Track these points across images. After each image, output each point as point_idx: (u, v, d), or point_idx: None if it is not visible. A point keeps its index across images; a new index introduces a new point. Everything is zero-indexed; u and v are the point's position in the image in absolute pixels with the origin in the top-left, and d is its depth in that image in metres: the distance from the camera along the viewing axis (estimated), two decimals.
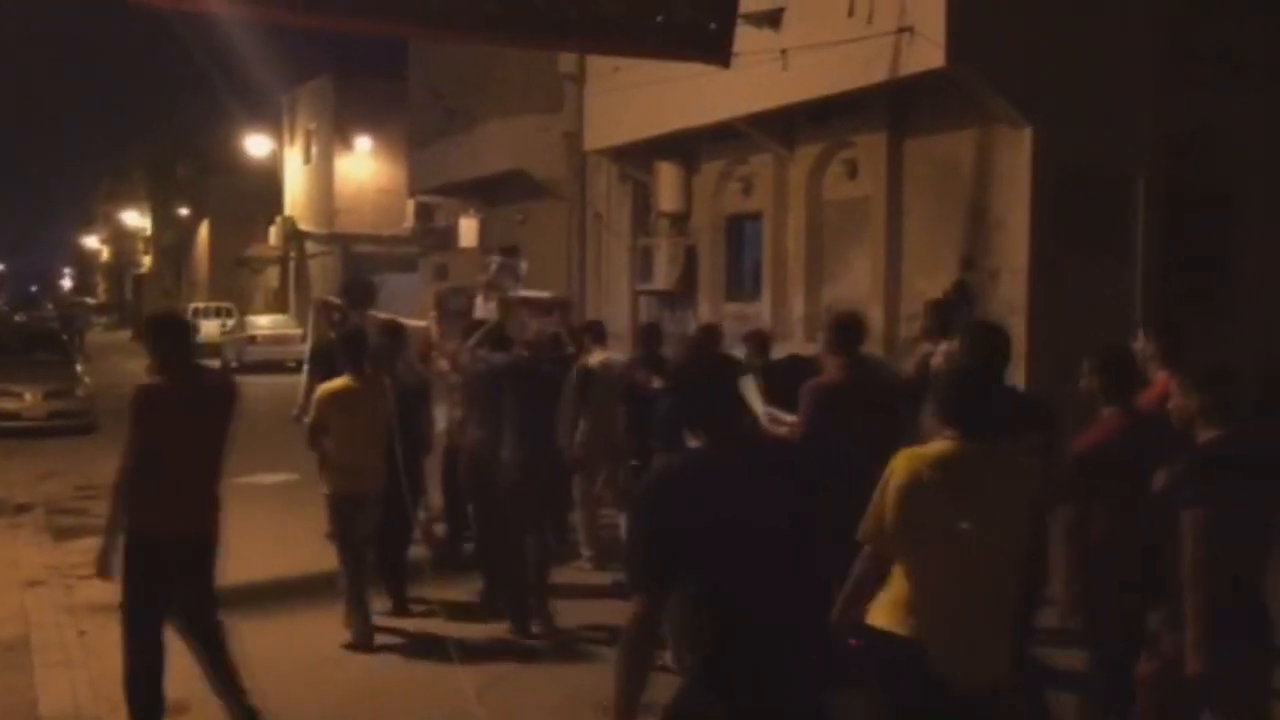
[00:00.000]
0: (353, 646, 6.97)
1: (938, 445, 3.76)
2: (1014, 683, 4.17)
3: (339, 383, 7.16)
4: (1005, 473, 3.84)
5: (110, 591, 8.16)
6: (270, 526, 10.02)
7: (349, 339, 7.44)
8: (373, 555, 7.36)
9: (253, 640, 7.15)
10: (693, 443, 3.41)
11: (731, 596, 3.17)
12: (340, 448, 7.08)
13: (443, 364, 8.87)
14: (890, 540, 3.66)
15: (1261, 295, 12.91)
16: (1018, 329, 11.58)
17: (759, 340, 8.84)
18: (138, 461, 5.19)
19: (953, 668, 3.62)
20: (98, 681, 6.32)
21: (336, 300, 9.35)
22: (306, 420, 7.49)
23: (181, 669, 6.58)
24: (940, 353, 6.89)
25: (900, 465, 3.69)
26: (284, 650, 6.88)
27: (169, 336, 5.57)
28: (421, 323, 10.14)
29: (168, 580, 5.27)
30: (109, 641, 7.03)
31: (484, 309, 10.35)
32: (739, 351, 8.55)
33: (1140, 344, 5.15)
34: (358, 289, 9.21)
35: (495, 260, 12.60)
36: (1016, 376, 11.53)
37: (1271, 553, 4.29)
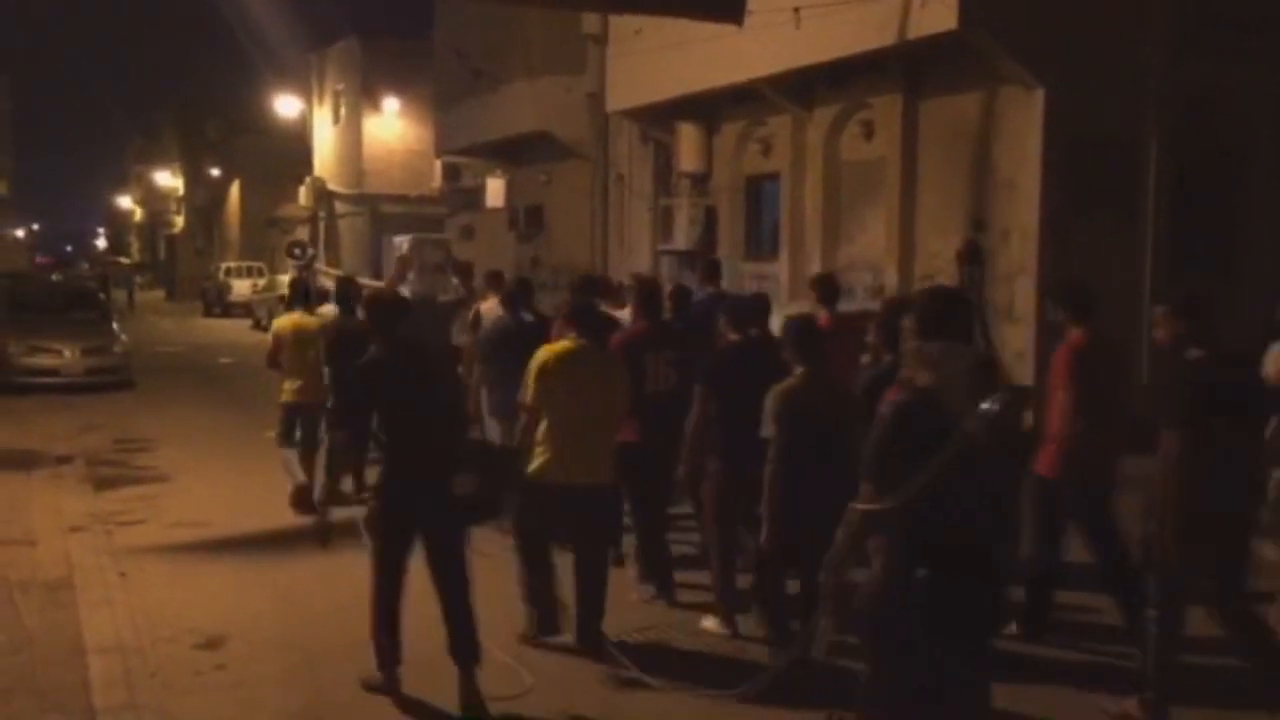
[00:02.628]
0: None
1: (562, 344, 6.30)
2: (616, 481, 6.43)
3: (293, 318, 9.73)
4: (599, 365, 6.24)
5: (146, 536, 8.68)
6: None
7: (293, 285, 10.73)
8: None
9: (287, 580, 7.60)
10: None
11: None
12: (288, 370, 9.55)
13: None
14: (535, 400, 6.06)
15: (1270, 257, 13.03)
16: (1026, 289, 11.82)
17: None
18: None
19: (571, 474, 6.01)
20: (138, 617, 6.73)
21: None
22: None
23: (220, 603, 7.02)
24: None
25: (539, 354, 6.20)
26: (315, 588, 7.27)
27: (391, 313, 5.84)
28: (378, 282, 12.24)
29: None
30: (148, 581, 7.51)
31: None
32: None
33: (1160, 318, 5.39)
34: (298, 246, 11.55)
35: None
36: (1025, 334, 11.80)
37: None
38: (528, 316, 8.93)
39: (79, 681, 5.78)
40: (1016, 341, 11.82)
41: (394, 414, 5.51)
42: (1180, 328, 5.28)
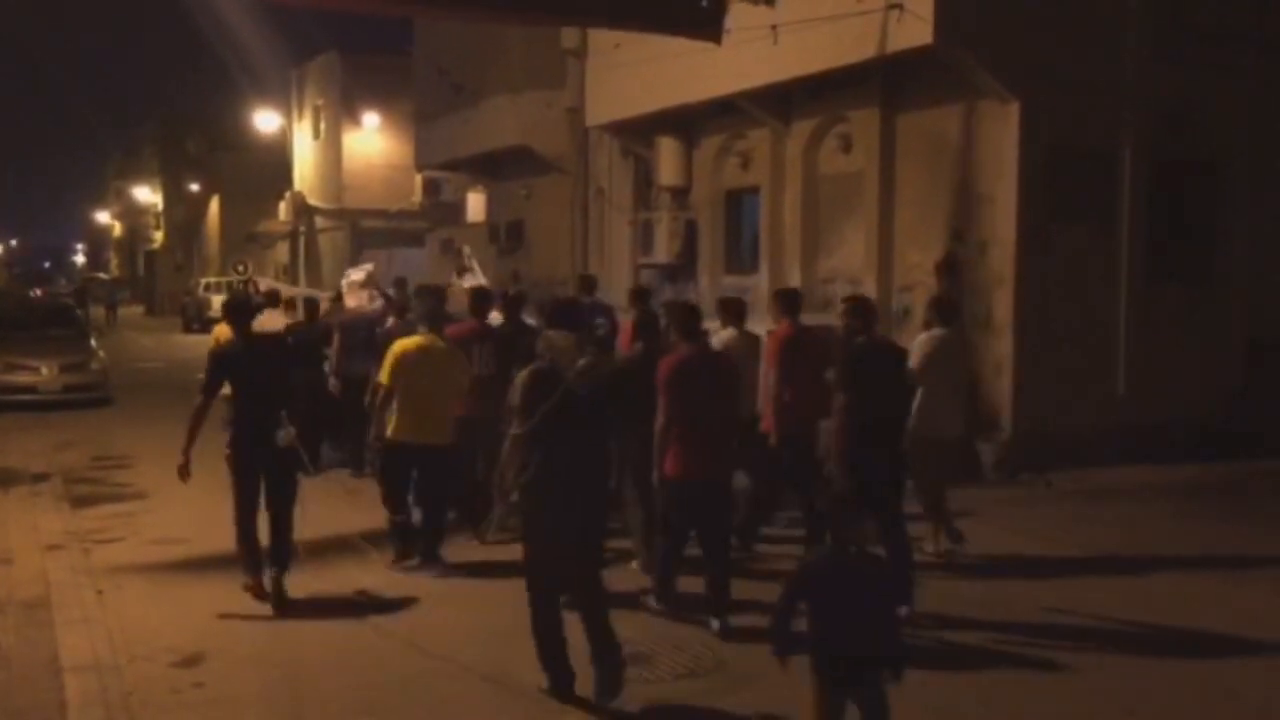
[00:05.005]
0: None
1: (414, 337, 8.25)
2: (455, 441, 8.20)
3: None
4: (440, 352, 8.19)
5: (124, 554, 8.62)
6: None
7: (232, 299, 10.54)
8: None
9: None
10: None
11: None
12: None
13: None
14: (391, 381, 8.02)
15: (1245, 266, 13.16)
16: (1005, 300, 11.88)
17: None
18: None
19: (419, 435, 8.00)
20: (115, 635, 6.69)
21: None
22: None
23: (198, 621, 6.98)
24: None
25: (396, 345, 8.22)
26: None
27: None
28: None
29: None
30: (125, 600, 7.47)
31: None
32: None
33: None
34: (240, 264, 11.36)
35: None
36: (1004, 345, 11.86)
37: None
38: (530, 322, 9.71)
39: (55, 700, 5.74)
40: (996, 352, 11.88)
41: (239, 388, 7.37)
42: (853, 323, 7.23)
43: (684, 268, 16.88)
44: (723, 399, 6.95)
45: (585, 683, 5.67)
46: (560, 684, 5.65)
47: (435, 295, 9.37)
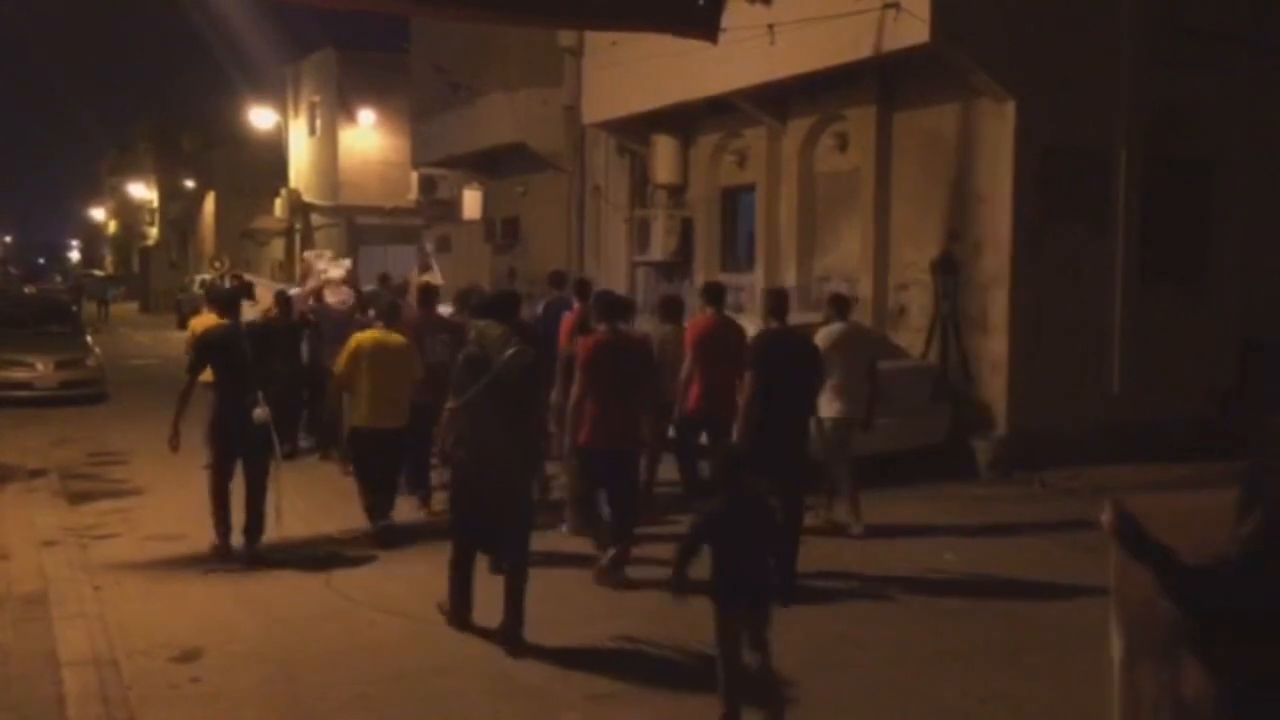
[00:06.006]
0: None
1: (371, 331, 9.08)
2: (405, 423, 8.92)
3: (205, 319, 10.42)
4: (394, 344, 8.95)
5: (121, 549, 8.64)
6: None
7: (210, 289, 11.92)
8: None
9: (262, 592, 7.58)
10: None
11: None
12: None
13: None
14: (347, 371, 8.77)
15: (1239, 266, 13.21)
16: (999, 299, 11.92)
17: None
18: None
19: (376, 420, 8.79)
20: (113, 631, 6.71)
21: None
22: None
23: (195, 616, 7.00)
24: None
25: (353, 339, 8.97)
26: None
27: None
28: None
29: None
30: (122, 595, 7.49)
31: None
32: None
33: None
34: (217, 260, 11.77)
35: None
36: (999, 344, 11.90)
37: None
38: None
39: (53, 695, 5.76)
40: (992, 351, 11.92)
41: (220, 370, 8.32)
42: (768, 312, 8.21)
43: (680, 265, 16.90)
44: (635, 379, 7.77)
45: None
46: (459, 614, 6.68)
47: (392, 291, 10.45)
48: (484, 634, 6.53)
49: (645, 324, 11.12)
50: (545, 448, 8.30)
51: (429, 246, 18.37)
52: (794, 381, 7.76)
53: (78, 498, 10.69)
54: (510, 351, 6.45)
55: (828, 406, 8.90)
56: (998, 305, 11.93)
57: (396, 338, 9.03)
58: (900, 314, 13.08)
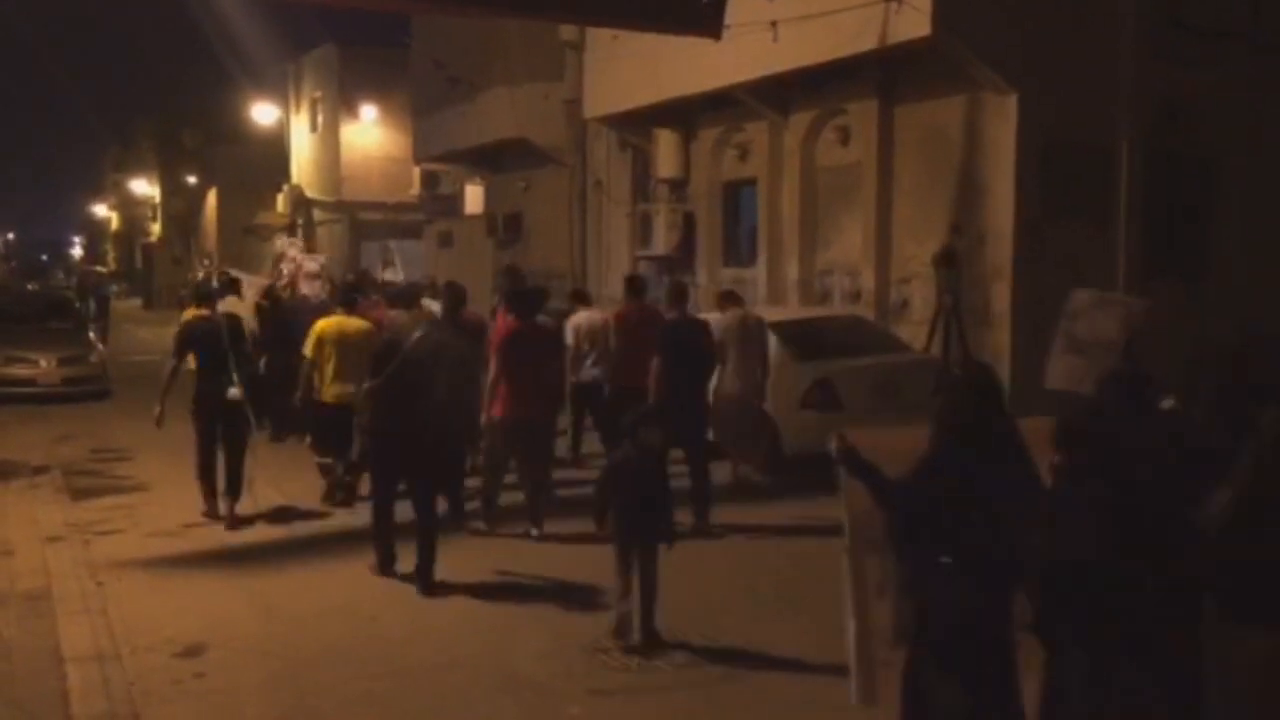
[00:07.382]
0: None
1: (334, 317, 9.96)
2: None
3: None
4: (353, 328, 9.76)
5: (124, 545, 8.66)
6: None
7: (197, 285, 12.72)
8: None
9: (265, 588, 7.60)
10: None
11: None
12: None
13: None
14: (314, 354, 9.67)
15: (1240, 260, 13.19)
16: (1001, 292, 11.92)
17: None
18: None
19: (341, 393, 9.45)
20: (116, 626, 6.72)
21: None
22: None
23: (199, 612, 7.01)
24: None
25: (318, 324, 9.84)
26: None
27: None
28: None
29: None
30: (126, 591, 7.50)
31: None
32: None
33: None
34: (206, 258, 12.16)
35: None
36: (1001, 337, 11.90)
37: None
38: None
39: (57, 691, 5.77)
40: (994, 343, 11.91)
41: (201, 356, 9.27)
42: (673, 303, 9.64)
43: (682, 259, 16.89)
44: (543, 361, 8.85)
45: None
46: (385, 563, 7.66)
47: (357, 280, 12.11)
48: (404, 578, 7.49)
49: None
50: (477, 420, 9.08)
51: (392, 244, 21.03)
52: (694, 362, 9.27)
53: (81, 494, 10.70)
54: (415, 336, 7.59)
55: (722, 386, 9.95)
56: (999, 298, 11.93)
57: (356, 322, 10.00)
58: (902, 307, 13.08)
